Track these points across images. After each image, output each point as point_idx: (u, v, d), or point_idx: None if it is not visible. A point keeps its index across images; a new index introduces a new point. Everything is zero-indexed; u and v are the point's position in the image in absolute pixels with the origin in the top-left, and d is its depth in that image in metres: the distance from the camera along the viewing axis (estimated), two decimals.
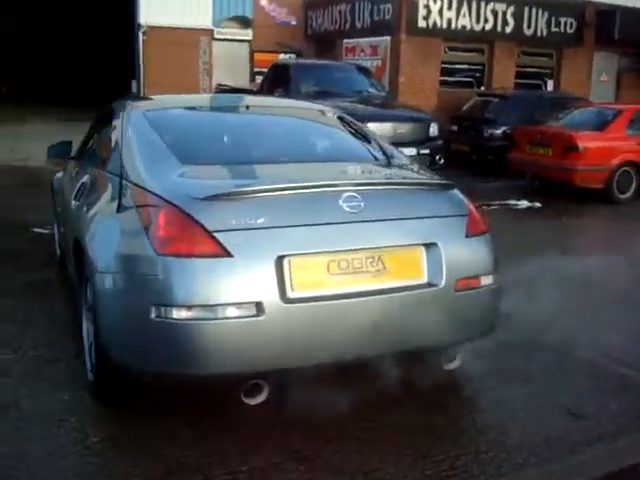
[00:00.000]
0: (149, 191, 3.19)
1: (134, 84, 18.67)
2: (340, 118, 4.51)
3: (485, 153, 12.71)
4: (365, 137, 4.24)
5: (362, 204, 3.14)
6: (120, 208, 3.31)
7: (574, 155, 9.83)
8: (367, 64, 15.36)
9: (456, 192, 3.58)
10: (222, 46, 18.80)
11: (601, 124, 10.39)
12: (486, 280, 3.44)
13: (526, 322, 4.74)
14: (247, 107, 4.57)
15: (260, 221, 2.98)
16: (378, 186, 3.40)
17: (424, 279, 3.25)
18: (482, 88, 16.27)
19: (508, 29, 16.37)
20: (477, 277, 3.40)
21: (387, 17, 15.77)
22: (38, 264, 5.89)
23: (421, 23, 15.48)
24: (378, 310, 3.12)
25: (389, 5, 15.64)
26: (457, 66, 16.68)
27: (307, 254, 3.04)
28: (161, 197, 3.09)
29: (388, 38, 15.72)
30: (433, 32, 15.63)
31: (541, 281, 5.80)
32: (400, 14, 15.33)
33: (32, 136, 13.20)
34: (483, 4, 15.95)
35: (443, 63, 16.19)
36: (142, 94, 17.17)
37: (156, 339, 2.95)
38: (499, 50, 16.47)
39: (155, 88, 16.16)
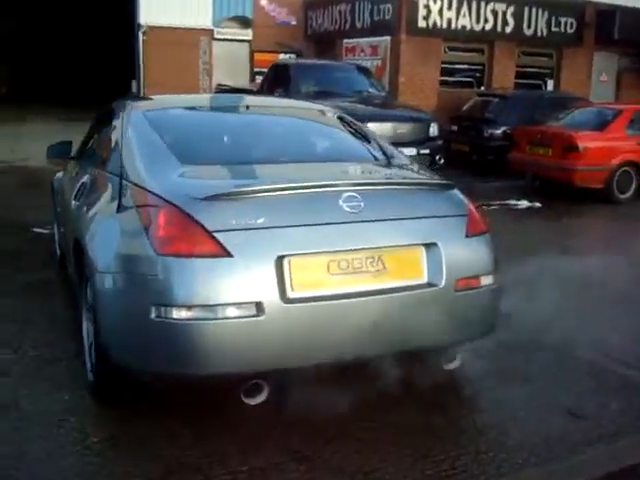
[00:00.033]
0: (149, 191, 3.19)
1: (134, 84, 18.67)
2: (340, 118, 4.51)
3: (485, 153, 12.71)
4: (365, 137, 4.24)
5: (362, 204, 3.14)
6: (120, 208, 3.30)
7: (574, 155, 9.83)
8: (367, 64, 15.36)
9: (456, 192, 3.58)
10: (222, 46, 18.80)
11: (601, 124, 10.38)
12: (486, 280, 3.44)
13: (526, 322, 4.74)
14: (247, 107, 4.57)
15: (260, 221, 2.98)
16: (378, 186, 3.40)
17: (424, 279, 3.24)
18: (482, 88, 16.27)
19: (508, 29, 16.37)
20: (477, 277, 3.40)
21: (387, 17, 15.77)
22: (38, 264, 5.89)
23: (421, 23, 15.49)
24: (378, 310, 3.12)
25: (389, 5, 15.64)
26: (457, 66, 16.68)
27: (307, 254, 3.03)
28: (161, 197, 3.09)
29: (388, 38, 15.72)
30: (433, 32, 15.63)
31: (541, 281, 5.80)
32: (400, 14, 15.34)
33: (32, 136, 13.20)
34: (483, 4, 15.95)
35: (443, 63, 16.20)
36: (142, 94, 17.18)
37: (156, 339, 2.95)
38: (499, 50, 16.48)
39: (155, 88, 16.16)
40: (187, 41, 17.88)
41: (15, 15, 29.95)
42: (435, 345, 3.37)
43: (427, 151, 10.58)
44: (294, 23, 19.29)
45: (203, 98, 5.61)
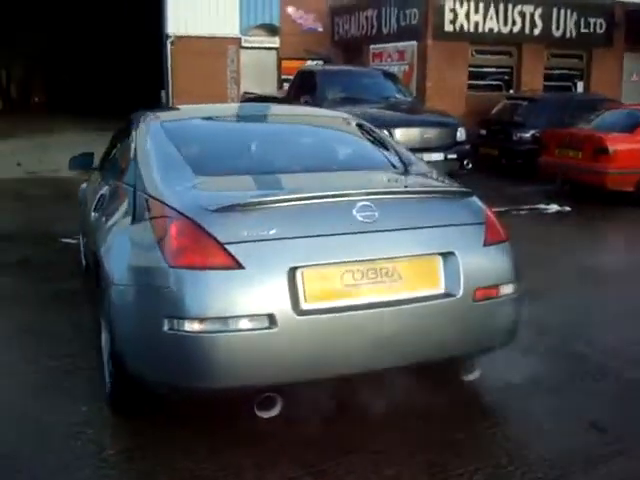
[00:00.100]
0: (163, 203, 3.19)
1: (163, 94, 18.87)
2: (359, 125, 4.47)
3: (514, 157, 12.57)
4: (383, 144, 4.20)
5: (376, 214, 3.10)
6: (134, 220, 3.32)
7: (604, 158, 9.63)
8: (394, 69, 15.34)
9: (474, 199, 3.52)
10: (250, 54, 18.93)
11: (632, 126, 10.15)
12: (506, 289, 3.37)
13: (552, 331, 4.67)
14: (265, 117, 4.57)
15: (272, 232, 2.95)
16: (392, 195, 3.35)
17: (441, 289, 3.18)
18: (511, 91, 16.10)
19: (536, 31, 16.19)
20: (496, 286, 3.33)
21: (413, 22, 15.71)
22: (66, 274, 5.96)
23: (448, 27, 15.40)
24: (394, 321, 3.07)
25: (415, 10, 15.58)
26: (485, 69, 16.53)
27: (320, 265, 3.00)
28: (174, 209, 3.09)
29: (415, 43, 15.66)
30: (460, 36, 15.53)
31: (570, 288, 5.72)
32: (426, 19, 15.27)
33: (62, 146, 13.39)
34: (511, 6, 15.80)
35: (471, 67, 16.07)
36: (171, 104, 17.37)
37: (169, 352, 2.94)
38: (527, 52, 16.29)
39: (183, 97, 16.35)
40: (215, 50, 18.03)
41: (46, 30, 30.58)
42: (453, 356, 3.32)
43: (454, 156, 10.52)
44: (321, 30, 19.34)
45: (224, 108, 5.61)
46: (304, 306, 2.93)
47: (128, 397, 3.39)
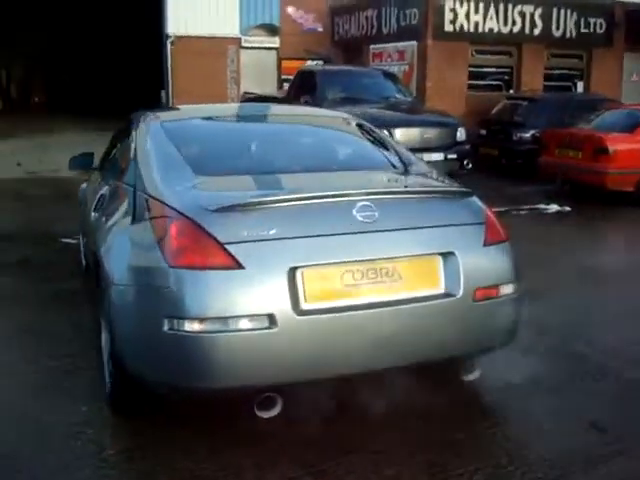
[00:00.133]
0: (163, 202, 3.19)
1: (163, 94, 18.87)
2: (359, 125, 4.47)
3: (514, 157, 12.57)
4: (383, 144, 4.19)
5: (376, 214, 3.09)
6: (134, 220, 3.32)
7: (604, 158, 9.63)
8: (394, 69, 15.34)
9: (474, 199, 3.51)
10: (250, 54, 18.93)
11: (632, 126, 10.14)
12: (506, 289, 3.37)
13: (552, 330, 4.67)
14: (264, 117, 4.57)
15: (272, 232, 2.95)
16: (392, 195, 3.34)
17: (441, 289, 3.18)
18: (511, 91, 16.10)
19: (536, 31, 16.19)
20: (496, 286, 3.33)
21: (413, 22, 15.71)
22: (66, 274, 5.95)
23: (448, 27, 15.40)
24: (394, 321, 3.07)
25: (415, 10, 15.58)
26: (485, 69, 16.53)
27: (320, 265, 2.99)
28: (174, 209, 3.08)
29: (415, 43, 15.66)
30: (460, 36, 15.53)
31: (570, 288, 5.72)
32: (426, 19, 15.27)
33: (62, 146, 13.39)
34: (510, 6, 15.80)
35: (471, 67, 16.06)
36: (171, 104, 17.37)
37: (169, 352, 2.94)
38: (527, 52, 16.29)
39: (183, 98, 16.34)
40: (215, 50, 18.03)
41: (46, 30, 30.60)
42: (453, 356, 3.32)
43: (454, 156, 10.52)
44: (321, 30, 19.34)
45: (224, 108, 5.61)
46: (304, 306, 2.93)
47: (128, 397, 3.38)
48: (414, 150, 9.28)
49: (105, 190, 4.27)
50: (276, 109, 6.08)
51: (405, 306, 3.08)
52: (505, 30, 15.92)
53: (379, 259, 3.08)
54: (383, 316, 3.05)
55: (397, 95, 12.33)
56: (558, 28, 16.41)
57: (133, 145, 3.93)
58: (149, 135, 3.86)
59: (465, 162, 10.69)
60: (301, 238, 3.00)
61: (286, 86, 15.98)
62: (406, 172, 3.81)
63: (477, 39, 15.84)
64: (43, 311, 5.03)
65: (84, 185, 5.91)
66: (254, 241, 2.93)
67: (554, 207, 9.63)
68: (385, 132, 9.11)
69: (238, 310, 2.87)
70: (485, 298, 3.26)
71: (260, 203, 3.03)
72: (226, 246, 2.90)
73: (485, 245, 3.34)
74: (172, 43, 18.02)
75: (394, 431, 3.32)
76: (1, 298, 5.40)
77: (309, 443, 3.17)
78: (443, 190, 3.64)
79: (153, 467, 3.02)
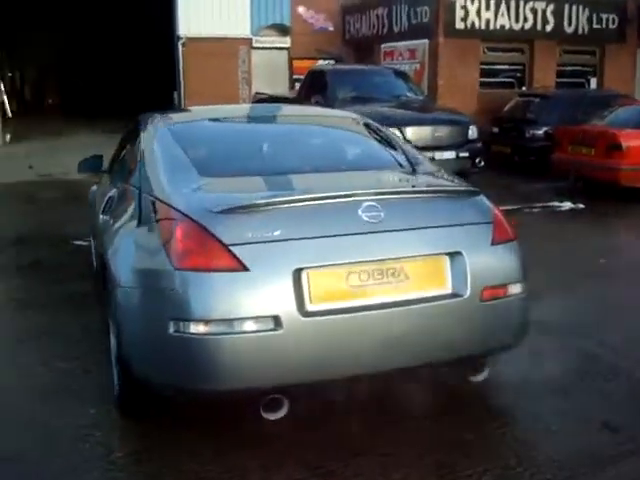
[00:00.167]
0: (168, 205, 3.19)
1: (176, 95, 18.93)
2: (366, 125, 4.45)
3: (527, 154, 12.48)
4: (390, 144, 4.17)
5: (382, 214, 3.07)
6: (140, 222, 3.32)
7: (617, 154, 9.55)
8: (406, 68, 15.28)
9: (481, 198, 3.48)
10: (261, 55, 18.92)
11: None
12: (514, 289, 3.34)
13: (564, 330, 4.64)
14: (271, 117, 4.56)
15: (277, 233, 2.94)
16: (398, 195, 3.31)
17: (448, 289, 3.16)
18: (523, 88, 15.98)
19: (548, 27, 16.05)
20: (504, 286, 3.30)
21: (424, 20, 15.63)
22: (77, 276, 5.98)
23: (459, 24, 15.31)
24: (400, 322, 3.06)
25: (426, 8, 15.51)
26: (497, 67, 16.41)
27: (325, 266, 2.98)
28: (179, 211, 3.08)
29: (426, 41, 15.58)
30: (471, 33, 15.43)
31: (583, 286, 5.67)
32: (437, 16, 15.19)
33: (75, 149, 13.44)
34: (522, 3, 15.68)
35: (482, 64, 15.94)
36: (183, 105, 17.41)
37: (175, 354, 2.94)
38: (539, 49, 16.14)
39: (195, 99, 16.36)
40: (226, 51, 18.03)
41: (60, 32, 30.79)
42: (461, 357, 3.28)
43: (466, 154, 10.47)
44: (332, 29, 19.30)
45: (232, 109, 5.60)
46: (309, 307, 2.91)
47: (135, 399, 3.39)
48: (426, 148, 9.32)
49: (113, 192, 4.29)
50: (283, 109, 6.07)
51: (412, 307, 3.06)
52: (517, 27, 15.80)
53: (385, 259, 3.06)
54: (389, 317, 3.03)
55: (408, 94, 12.30)
56: (570, 24, 16.27)
57: (140, 147, 3.94)
58: (155, 137, 3.87)
59: (477, 160, 10.63)
60: (306, 239, 2.98)
61: (298, 86, 16.00)
62: (413, 171, 3.78)
63: (488, 36, 15.72)
64: (55, 313, 5.06)
65: (94, 187, 5.93)
66: (259, 242, 2.92)
67: (567, 204, 9.56)
68: (396, 131, 9.23)
69: (243, 312, 2.86)
70: (493, 298, 3.23)
71: (265, 204, 3.02)
72: (231, 248, 2.89)
73: (493, 244, 3.31)
74: (183, 45, 18.05)
75: (402, 432, 3.30)
76: (14, 300, 5.44)
77: (316, 445, 3.16)
78: (450, 189, 3.61)
79: (159, 469, 3.02)
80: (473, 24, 15.43)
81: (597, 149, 9.92)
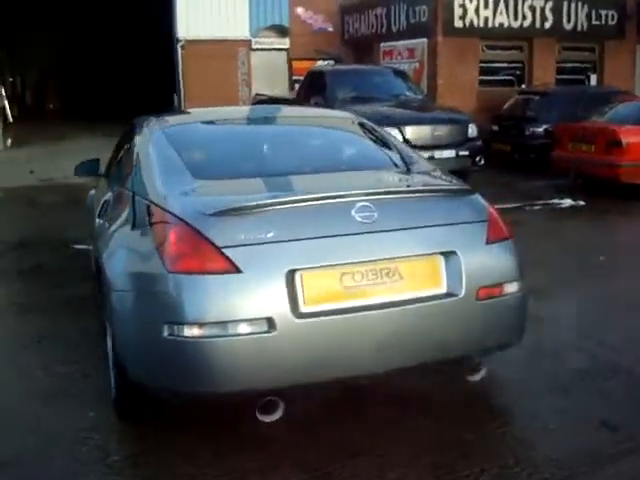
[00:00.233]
0: (161, 208, 3.18)
1: (176, 98, 18.94)
2: (361, 125, 4.44)
3: (527, 152, 12.46)
4: (385, 143, 4.16)
5: (375, 214, 3.06)
6: (135, 226, 3.32)
7: (617, 151, 9.52)
8: (405, 67, 15.28)
9: (476, 197, 3.47)
10: (260, 56, 18.93)
11: None
12: (510, 288, 3.32)
13: (563, 328, 4.63)
14: (266, 119, 4.55)
15: (270, 235, 2.93)
16: (391, 195, 3.30)
17: (443, 289, 3.14)
18: (523, 86, 15.96)
19: (547, 25, 16.03)
20: (500, 285, 3.28)
21: (423, 19, 15.63)
22: (77, 280, 5.98)
23: (457, 23, 15.30)
24: (395, 322, 3.05)
25: (424, 7, 15.50)
26: (496, 65, 16.38)
27: (319, 267, 2.97)
28: (172, 213, 3.08)
29: (425, 40, 15.57)
30: (470, 31, 15.41)
31: (584, 284, 5.65)
32: (436, 15, 15.18)
33: (76, 153, 13.42)
34: (520, 0, 15.66)
35: (482, 62, 15.92)
36: (183, 107, 17.42)
37: (169, 357, 2.93)
38: (539, 46, 16.12)
39: (195, 101, 16.38)
40: (225, 53, 18.04)
41: (60, 36, 30.84)
42: (457, 357, 3.28)
43: (466, 152, 10.46)
44: (331, 29, 19.30)
45: (229, 111, 5.59)
46: (303, 309, 2.91)
47: (132, 402, 3.39)
48: (425, 148, 9.31)
49: (109, 196, 4.29)
50: (279, 111, 6.06)
51: (406, 307, 3.05)
52: (515, 24, 15.78)
53: (379, 260, 3.05)
54: (384, 317, 3.02)
55: (407, 93, 12.30)
56: (569, 21, 16.25)
57: (135, 150, 3.94)
58: (150, 140, 3.87)
59: (477, 158, 10.62)
60: (299, 240, 2.97)
61: (297, 87, 16.00)
62: (407, 171, 3.77)
63: (487, 34, 15.71)
64: (55, 317, 5.08)
65: (92, 192, 5.94)
66: (252, 244, 2.92)
67: (568, 202, 9.54)
68: (396, 130, 9.22)
69: (237, 314, 2.86)
70: (488, 297, 3.22)
71: (257, 206, 3.01)
72: (224, 250, 2.89)
73: (487, 243, 3.30)
74: (182, 47, 18.07)
75: (399, 432, 3.29)
76: (15, 304, 5.45)
77: (313, 446, 3.16)
78: (444, 189, 3.59)
79: (156, 472, 3.03)
80: (472, 22, 15.42)
81: (597, 146, 9.90)
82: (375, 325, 3.02)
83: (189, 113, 5.07)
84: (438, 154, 9.77)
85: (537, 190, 10.43)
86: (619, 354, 4.20)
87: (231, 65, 18.48)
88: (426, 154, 7.14)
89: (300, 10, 18.90)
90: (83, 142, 16.43)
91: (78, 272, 6.18)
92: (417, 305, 3.07)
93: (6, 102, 18.83)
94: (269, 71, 18.79)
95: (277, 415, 3.04)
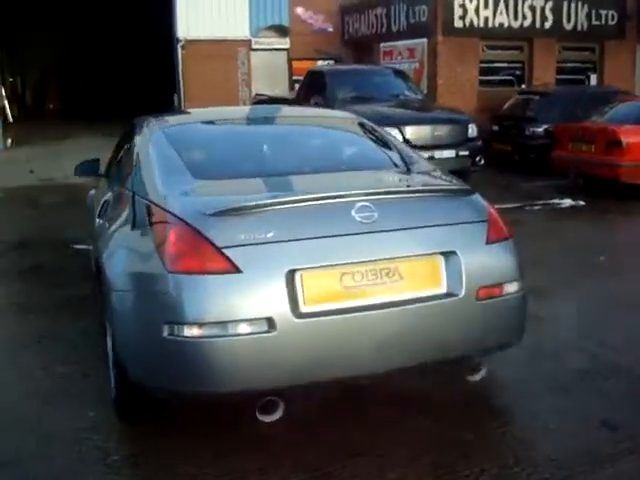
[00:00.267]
0: (161, 208, 3.18)
1: (176, 98, 18.94)
2: (360, 124, 4.44)
3: (527, 152, 12.45)
4: (385, 143, 4.16)
5: (376, 214, 3.07)
6: (135, 226, 3.32)
7: (618, 151, 9.52)
8: (405, 67, 15.27)
9: (476, 197, 3.47)
10: (260, 56, 18.93)
11: None
12: (510, 288, 3.32)
13: (563, 328, 4.63)
14: (265, 119, 4.56)
15: (269, 235, 2.93)
16: (391, 195, 3.30)
17: (443, 289, 3.15)
18: (523, 86, 15.96)
19: (547, 24, 16.02)
20: (500, 285, 3.28)
21: (423, 19, 15.62)
22: (77, 280, 5.99)
23: (457, 23, 15.29)
24: (395, 322, 3.05)
25: (424, 7, 15.50)
26: (496, 65, 16.37)
27: (319, 267, 2.97)
28: (172, 213, 3.08)
29: (425, 40, 15.57)
30: (470, 31, 15.40)
31: (584, 284, 5.65)
32: (436, 15, 15.17)
33: (76, 153, 13.41)
34: (520, 0, 15.67)
35: (482, 62, 15.90)
36: (182, 107, 17.42)
37: (169, 357, 2.93)
38: (539, 46, 16.11)
39: (195, 101, 16.38)
40: (225, 53, 18.04)
41: (61, 36, 30.84)
42: (457, 357, 3.28)
43: (466, 152, 10.45)
44: (331, 29, 19.30)
45: (228, 111, 5.59)
46: (303, 309, 2.91)
47: (132, 402, 3.39)
48: (425, 148, 9.30)
49: (109, 196, 4.29)
50: (278, 111, 6.06)
51: (406, 307, 3.05)
52: (515, 24, 15.77)
53: (379, 260, 3.05)
54: (384, 317, 3.02)
55: (407, 93, 12.30)
56: (569, 21, 16.25)
57: (135, 150, 3.94)
58: (150, 140, 3.87)
59: (477, 158, 10.61)
60: (299, 240, 2.97)
61: (297, 87, 16.00)
62: (407, 171, 3.77)
63: (487, 34, 15.69)
64: (55, 317, 5.09)
65: (92, 192, 5.94)
66: (252, 244, 2.91)
67: (568, 202, 9.53)
68: (396, 130, 9.22)
69: (237, 314, 2.86)
70: (488, 297, 3.22)
71: (257, 206, 3.01)
72: (224, 250, 2.89)
73: (487, 243, 3.30)
74: (182, 47, 18.06)
75: (399, 432, 3.29)
76: (15, 304, 5.46)
77: (313, 446, 3.16)
78: (443, 189, 3.59)
79: (156, 472, 3.03)
80: (472, 22, 15.42)
81: (597, 146, 9.90)
82: (375, 325, 3.02)
83: (189, 113, 5.06)
84: (438, 154, 9.77)
85: (537, 190, 10.43)
86: (619, 354, 4.20)
87: (231, 65, 18.47)
88: (426, 154, 7.14)
89: (300, 10, 18.90)
90: (83, 142, 16.43)
91: (78, 272, 6.19)
92: (417, 305, 3.07)
93: (6, 102, 18.84)
94: (269, 71, 18.79)
95: (277, 415, 3.04)
